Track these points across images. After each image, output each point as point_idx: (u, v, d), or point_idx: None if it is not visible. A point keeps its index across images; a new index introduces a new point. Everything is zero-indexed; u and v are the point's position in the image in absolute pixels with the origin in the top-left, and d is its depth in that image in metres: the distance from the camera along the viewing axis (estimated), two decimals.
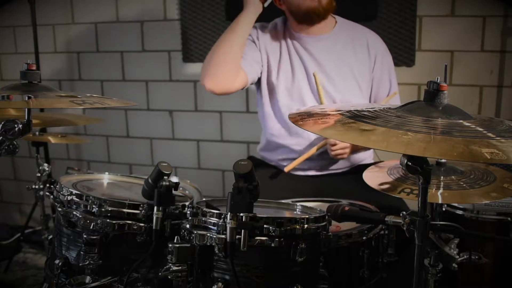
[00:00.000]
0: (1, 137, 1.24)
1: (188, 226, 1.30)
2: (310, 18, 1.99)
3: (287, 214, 1.52)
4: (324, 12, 1.95)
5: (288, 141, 2.10)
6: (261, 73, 2.09)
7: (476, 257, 1.45)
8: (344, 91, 2.04)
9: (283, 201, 1.62)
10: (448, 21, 2.44)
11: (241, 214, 1.20)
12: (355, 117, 1.07)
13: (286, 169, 2.01)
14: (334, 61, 2.04)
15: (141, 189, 1.43)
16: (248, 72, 2.01)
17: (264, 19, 2.20)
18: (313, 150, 2.01)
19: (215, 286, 1.24)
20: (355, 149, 2.04)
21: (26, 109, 1.25)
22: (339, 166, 2.12)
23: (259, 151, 2.27)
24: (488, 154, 0.90)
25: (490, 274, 1.56)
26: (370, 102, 2.13)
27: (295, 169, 2.06)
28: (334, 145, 1.96)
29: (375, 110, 1.12)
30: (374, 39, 2.12)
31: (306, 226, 1.28)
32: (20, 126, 1.25)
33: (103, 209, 1.38)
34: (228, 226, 1.19)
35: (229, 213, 1.19)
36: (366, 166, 1.65)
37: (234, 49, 1.94)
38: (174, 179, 1.40)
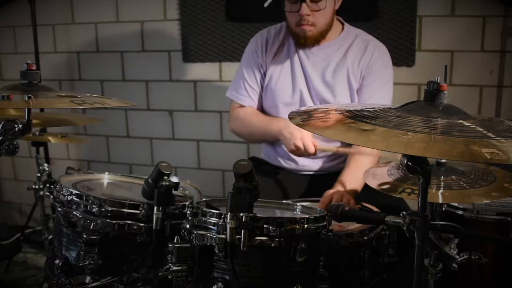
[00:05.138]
0: (1, 137, 1.24)
1: (188, 226, 1.30)
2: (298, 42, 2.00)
3: (287, 214, 1.52)
4: (306, 42, 1.96)
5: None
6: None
7: (476, 257, 1.45)
8: (339, 97, 2.02)
9: (283, 201, 1.62)
10: (448, 21, 2.44)
11: (241, 214, 1.20)
12: (355, 117, 1.07)
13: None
14: (332, 68, 2.02)
15: (141, 189, 1.43)
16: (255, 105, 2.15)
17: (264, 19, 2.21)
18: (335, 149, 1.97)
19: (215, 286, 1.24)
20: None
21: (26, 109, 1.25)
22: (339, 166, 2.11)
23: (263, 146, 2.28)
24: (488, 154, 0.90)
25: (490, 274, 1.56)
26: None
27: (296, 168, 2.10)
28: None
29: (375, 110, 1.11)
30: (379, 48, 2.03)
31: (306, 226, 1.28)
32: (20, 126, 1.25)
33: (103, 209, 1.38)
34: (228, 226, 1.19)
35: (229, 213, 1.19)
36: None
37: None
38: (174, 179, 1.40)
